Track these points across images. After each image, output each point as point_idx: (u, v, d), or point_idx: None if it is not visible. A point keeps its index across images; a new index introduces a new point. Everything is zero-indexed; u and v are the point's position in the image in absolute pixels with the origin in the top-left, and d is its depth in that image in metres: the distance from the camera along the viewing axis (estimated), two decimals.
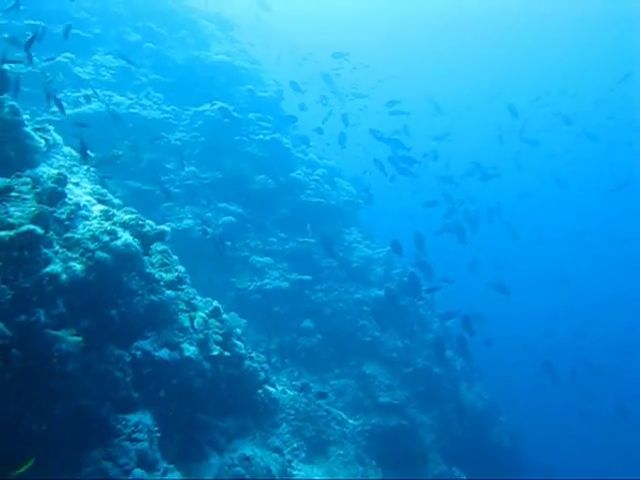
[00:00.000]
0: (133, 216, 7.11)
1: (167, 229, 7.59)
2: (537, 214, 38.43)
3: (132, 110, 13.65)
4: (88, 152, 7.41)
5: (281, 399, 10.54)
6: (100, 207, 7.00)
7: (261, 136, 15.15)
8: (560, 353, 26.54)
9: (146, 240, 7.23)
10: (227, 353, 8.63)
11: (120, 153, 9.22)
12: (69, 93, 12.73)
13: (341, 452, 11.15)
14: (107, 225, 6.60)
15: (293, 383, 11.91)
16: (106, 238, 6.46)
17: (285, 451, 10.03)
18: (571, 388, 25.61)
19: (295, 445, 10.52)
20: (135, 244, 6.73)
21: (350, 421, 12.06)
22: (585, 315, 32.97)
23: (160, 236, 7.48)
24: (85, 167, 8.29)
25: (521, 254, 32.18)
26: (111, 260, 6.40)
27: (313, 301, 13.72)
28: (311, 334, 13.17)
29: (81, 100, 12.31)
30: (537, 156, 31.96)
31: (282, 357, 12.15)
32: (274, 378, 10.76)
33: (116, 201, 7.87)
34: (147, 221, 7.33)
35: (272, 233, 14.28)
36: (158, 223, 7.89)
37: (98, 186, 7.90)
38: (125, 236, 6.67)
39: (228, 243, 13.20)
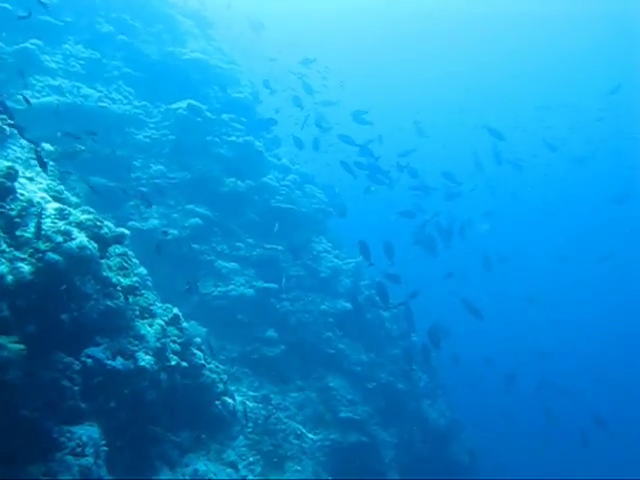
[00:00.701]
0: (90, 216, 6.70)
1: (126, 232, 7.20)
2: (509, 232, 38.39)
3: (101, 104, 13.15)
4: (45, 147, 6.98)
5: (239, 411, 10.20)
6: (55, 205, 6.57)
7: (234, 138, 14.77)
8: (524, 371, 26.61)
9: (103, 242, 6.83)
10: (185, 363, 8.29)
11: (82, 148, 8.77)
12: (34, 82, 12.21)
13: (298, 468, 10.85)
14: (61, 225, 6.19)
15: (253, 394, 11.56)
16: (59, 239, 6.06)
17: (240, 466, 9.66)
18: (534, 406, 25.71)
19: (251, 459, 10.15)
20: (90, 247, 6.32)
21: (309, 435, 11.75)
22: (551, 335, 33.08)
23: (118, 239, 7.08)
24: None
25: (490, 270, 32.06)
26: (63, 262, 5.99)
27: (278, 310, 13.37)
28: (274, 344, 12.79)
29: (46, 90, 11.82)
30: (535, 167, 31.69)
31: (243, 367, 11.80)
32: (233, 389, 10.42)
33: (73, 199, 7.44)
34: (105, 222, 6.92)
35: (240, 238, 13.90)
36: (122, 222, 7.52)
37: (56, 182, 7.47)
38: (80, 237, 6.27)
39: (195, 246, 12.83)
